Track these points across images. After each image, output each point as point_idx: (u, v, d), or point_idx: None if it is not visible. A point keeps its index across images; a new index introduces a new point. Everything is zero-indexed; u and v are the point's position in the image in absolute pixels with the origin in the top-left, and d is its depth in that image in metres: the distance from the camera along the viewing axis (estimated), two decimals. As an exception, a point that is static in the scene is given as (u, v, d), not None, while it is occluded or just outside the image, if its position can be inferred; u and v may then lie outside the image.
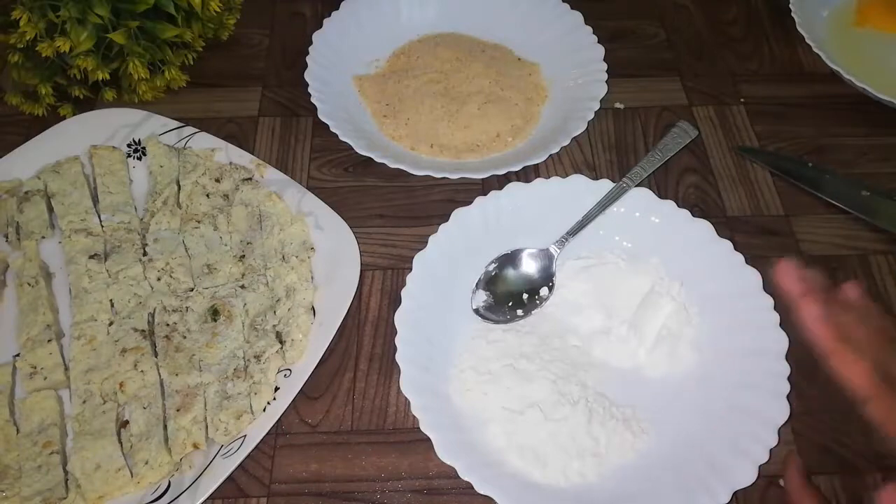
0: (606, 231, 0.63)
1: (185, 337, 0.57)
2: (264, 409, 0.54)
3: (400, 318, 0.55)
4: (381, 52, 0.80)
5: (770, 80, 0.80)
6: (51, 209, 0.64)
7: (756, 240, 0.66)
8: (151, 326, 0.58)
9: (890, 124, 0.74)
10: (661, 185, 0.70)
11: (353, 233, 0.62)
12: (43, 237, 0.63)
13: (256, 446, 0.52)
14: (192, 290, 0.60)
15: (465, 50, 0.79)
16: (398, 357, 0.53)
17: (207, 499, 0.50)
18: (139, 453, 0.52)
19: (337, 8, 0.78)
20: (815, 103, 0.77)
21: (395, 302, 0.57)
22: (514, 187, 0.63)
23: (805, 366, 0.58)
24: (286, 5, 0.87)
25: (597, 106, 0.71)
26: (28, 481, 0.50)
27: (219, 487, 0.50)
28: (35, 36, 0.66)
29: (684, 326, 0.58)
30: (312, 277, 0.61)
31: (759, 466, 0.49)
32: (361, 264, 0.61)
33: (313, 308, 0.59)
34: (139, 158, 0.69)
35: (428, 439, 0.50)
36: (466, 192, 0.68)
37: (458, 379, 0.56)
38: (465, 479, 0.48)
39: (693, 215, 0.61)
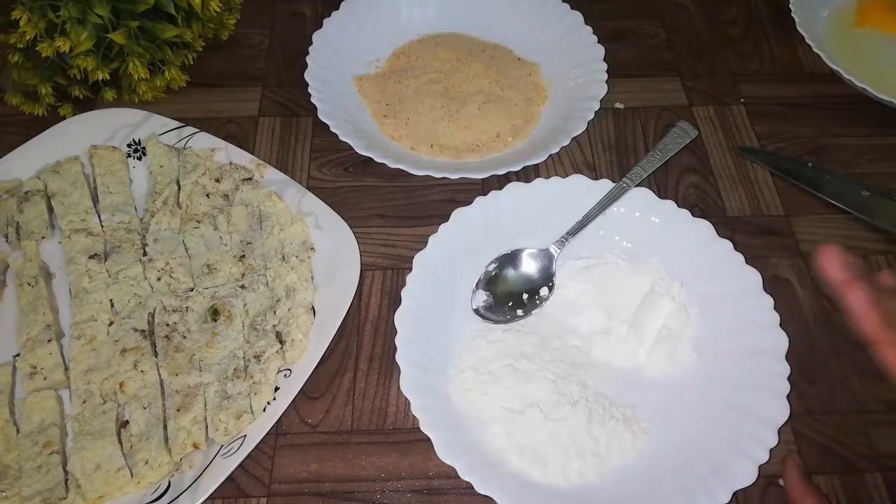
0: (606, 231, 0.63)
1: (185, 337, 0.57)
2: (264, 409, 0.54)
3: (400, 318, 0.55)
4: (381, 52, 0.80)
5: (770, 80, 0.80)
6: (51, 209, 0.64)
7: (756, 240, 0.66)
8: (151, 326, 0.58)
9: (890, 124, 0.74)
10: (661, 185, 0.70)
11: (353, 233, 0.62)
12: (43, 237, 0.63)
13: (256, 446, 0.52)
14: (192, 290, 0.60)
15: (465, 50, 0.79)
16: (398, 357, 0.53)
17: (207, 499, 0.50)
18: (139, 453, 0.52)
19: (337, 8, 0.78)
20: (815, 103, 0.77)
21: (395, 302, 0.57)
22: (514, 187, 0.63)
23: (805, 366, 0.59)
24: (286, 5, 0.87)
25: (597, 106, 0.71)
26: (28, 481, 0.50)
27: (219, 487, 0.50)
28: (35, 36, 0.66)
29: (684, 326, 0.58)
30: (312, 277, 0.61)
31: (759, 466, 0.49)
32: (361, 264, 0.61)
33: (313, 308, 0.59)
34: (139, 158, 0.69)
35: (428, 439, 0.50)
36: (466, 192, 0.68)
37: (458, 379, 0.56)
38: (465, 479, 0.48)
39: (693, 215, 0.61)
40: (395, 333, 0.55)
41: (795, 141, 0.74)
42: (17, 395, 0.55)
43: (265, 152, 0.72)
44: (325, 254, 0.62)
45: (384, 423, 0.56)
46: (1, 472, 0.51)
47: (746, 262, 0.58)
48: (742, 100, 0.78)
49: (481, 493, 0.48)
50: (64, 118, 0.71)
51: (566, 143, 0.68)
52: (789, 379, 0.53)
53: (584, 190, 0.63)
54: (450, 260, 0.60)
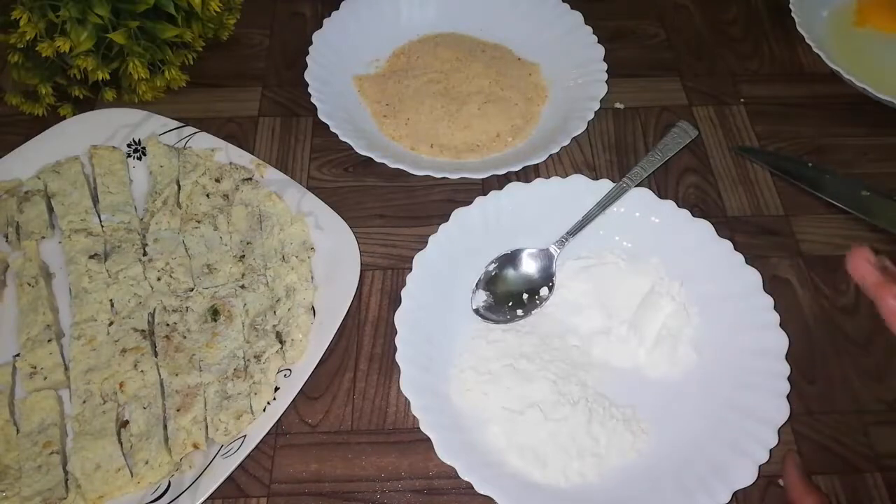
0: (606, 231, 0.63)
1: (185, 337, 0.57)
2: (264, 409, 0.54)
3: (400, 318, 0.55)
4: (381, 52, 0.80)
5: (770, 80, 0.80)
6: (51, 209, 0.64)
7: (756, 240, 0.66)
8: (151, 326, 0.58)
9: (890, 124, 0.74)
10: (661, 185, 0.70)
11: (353, 233, 0.62)
12: (43, 237, 0.63)
13: (256, 446, 0.52)
14: (192, 290, 0.60)
15: (465, 50, 0.79)
16: (398, 357, 0.53)
17: (207, 499, 0.50)
18: (139, 453, 0.52)
19: (337, 8, 0.78)
20: (815, 103, 0.77)
21: (395, 302, 0.57)
22: (514, 187, 0.63)
23: (805, 366, 0.59)
24: (286, 5, 0.87)
25: (597, 106, 0.71)
26: (28, 481, 0.50)
27: (219, 487, 0.50)
28: (35, 36, 0.66)
29: (684, 326, 0.58)
30: (312, 277, 0.61)
31: (759, 466, 0.49)
32: (361, 264, 0.61)
33: (313, 308, 0.59)
34: (139, 158, 0.69)
35: (428, 439, 0.50)
36: (466, 192, 0.68)
37: (458, 379, 0.56)
38: (465, 479, 0.48)
39: (693, 215, 0.61)
40: (395, 333, 0.55)
41: (795, 141, 0.74)
42: (17, 395, 0.55)
43: (265, 152, 0.72)
44: (325, 254, 0.62)
45: (384, 423, 0.56)
46: (1, 472, 0.51)
47: (746, 262, 0.58)
48: (742, 100, 0.78)
49: (481, 493, 0.48)
50: (64, 118, 0.71)
51: (566, 143, 0.68)
52: (789, 379, 0.53)
53: (584, 190, 0.63)
54: (450, 260, 0.60)
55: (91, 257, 0.61)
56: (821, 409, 0.57)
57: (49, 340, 0.57)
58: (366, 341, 0.60)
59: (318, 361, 0.56)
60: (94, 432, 0.52)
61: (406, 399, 0.52)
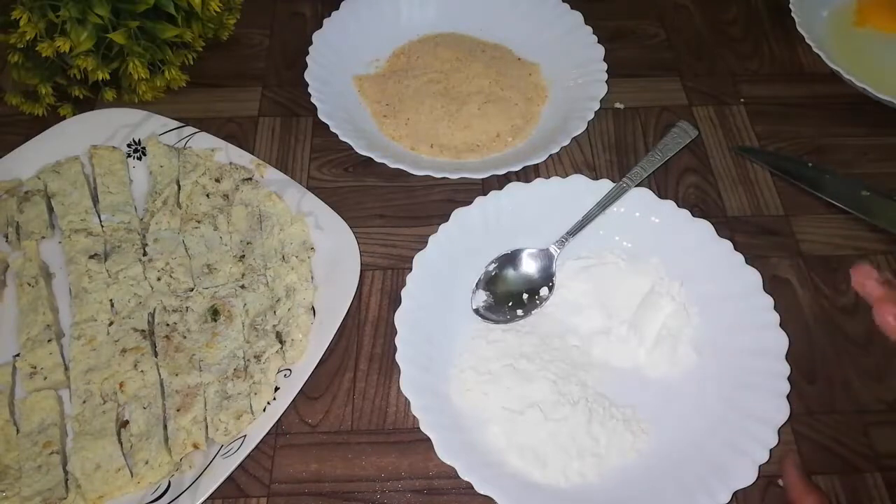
0: (606, 231, 0.63)
1: (185, 337, 0.57)
2: (264, 409, 0.54)
3: (400, 318, 0.55)
4: (381, 52, 0.80)
5: (770, 80, 0.80)
6: (51, 209, 0.64)
7: (756, 240, 0.66)
8: (151, 326, 0.58)
9: (890, 124, 0.74)
10: (661, 185, 0.70)
11: (353, 233, 0.62)
12: (43, 237, 0.63)
13: (256, 446, 0.52)
14: (192, 290, 0.60)
15: (465, 50, 0.79)
16: (398, 357, 0.53)
17: (207, 499, 0.50)
18: (139, 453, 0.52)
19: (337, 8, 0.78)
20: (815, 103, 0.77)
21: (395, 302, 0.57)
22: (514, 187, 0.63)
23: (805, 366, 0.59)
24: (286, 5, 0.87)
25: (597, 106, 0.71)
26: (28, 481, 0.50)
27: (219, 487, 0.50)
28: (35, 36, 0.66)
29: (684, 326, 0.58)
30: (312, 277, 0.61)
31: (759, 466, 0.49)
32: (361, 264, 0.61)
33: (313, 308, 0.59)
34: (139, 158, 0.69)
35: (428, 439, 0.50)
36: (466, 192, 0.68)
37: (458, 379, 0.56)
38: (465, 479, 0.48)
39: (693, 215, 0.61)
40: (395, 333, 0.55)
41: (795, 141, 0.74)
42: (17, 395, 0.55)
43: (265, 152, 0.72)
44: (325, 254, 0.62)
45: (384, 423, 0.56)
46: (1, 472, 0.51)
47: (746, 262, 0.58)
48: (742, 100, 0.78)
49: (481, 493, 0.48)
50: (64, 118, 0.71)
51: (566, 143, 0.68)
52: (789, 379, 0.53)
53: (584, 190, 0.63)
54: (450, 260, 0.60)
55: (91, 257, 0.61)
56: (821, 409, 0.57)
57: (49, 340, 0.57)
58: (366, 341, 0.60)
59: (318, 361, 0.56)
60: (94, 432, 0.52)
61: (406, 399, 0.52)
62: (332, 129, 0.68)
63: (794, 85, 0.79)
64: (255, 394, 0.54)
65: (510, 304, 0.60)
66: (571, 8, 0.79)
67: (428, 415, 0.51)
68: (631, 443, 0.53)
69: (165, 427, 0.53)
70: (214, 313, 0.58)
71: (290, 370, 0.57)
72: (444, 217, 0.61)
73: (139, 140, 0.69)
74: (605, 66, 0.74)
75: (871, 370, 0.59)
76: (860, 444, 0.55)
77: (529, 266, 0.62)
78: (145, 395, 0.54)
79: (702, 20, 0.86)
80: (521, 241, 0.62)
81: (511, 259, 0.62)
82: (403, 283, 0.57)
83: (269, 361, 0.56)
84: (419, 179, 0.68)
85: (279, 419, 0.54)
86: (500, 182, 0.66)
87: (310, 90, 0.71)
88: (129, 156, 0.69)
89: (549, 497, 0.50)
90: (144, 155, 0.68)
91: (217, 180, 0.66)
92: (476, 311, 0.59)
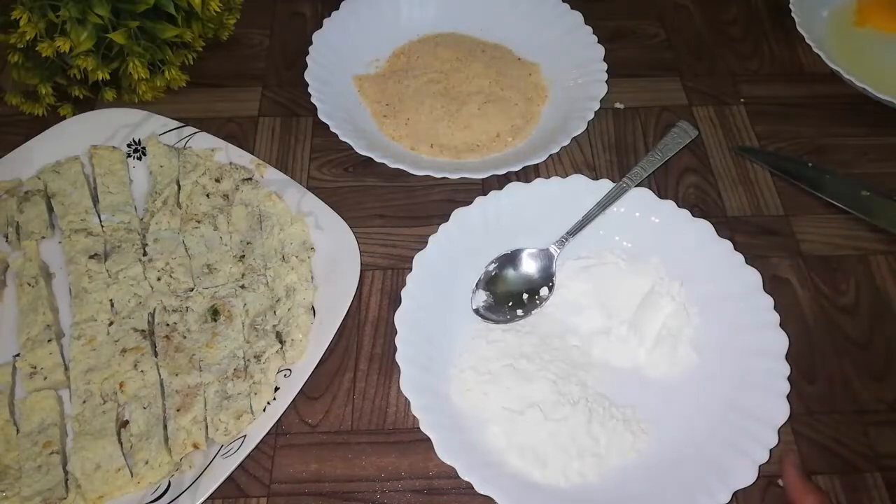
0: (606, 231, 0.63)
1: (185, 337, 0.57)
2: (264, 409, 0.54)
3: (400, 318, 0.55)
4: (381, 52, 0.80)
5: (770, 80, 0.80)
6: (51, 209, 0.64)
7: (756, 240, 0.66)
8: (151, 326, 0.58)
9: (890, 124, 0.74)
10: (661, 185, 0.70)
11: (353, 233, 0.62)
12: (43, 237, 0.63)
13: (256, 446, 0.52)
14: (192, 290, 0.60)
15: (465, 50, 0.79)
16: (398, 357, 0.53)
17: (207, 499, 0.50)
18: (139, 453, 0.52)
19: (337, 8, 0.78)
20: (815, 103, 0.77)
21: (395, 302, 0.57)
22: (514, 187, 0.63)
23: (805, 366, 0.59)
24: (286, 5, 0.87)
25: (597, 106, 0.71)
26: (28, 481, 0.50)
27: (219, 487, 0.50)
28: (35, 36, 0.66)
29: (684, 326, 0.58)
30: (312, 277, 0.61)
31: (759, 466, 0.49)
32: (361, 264, 0.61)
33: (313, 308, 0.59)
34: (139, 158, 0.69)
35: (428, 439, 0.50)
36: (466, 192, 0.68)
37: (458, 379, 0.56)
38: (465, 479, 0.48)
39: (693, 215, 0.61)
40: (395, 333, 0.55)
41: (795, 141, 0.74)
42: (17, 395, 0.55)
43: (265, 152, 0.72)
44: (325, 254, 0.62)
45: (384, 423, 0.56)
46: (1, 472, 0.51)
47: (746, 262, 0.58)
48: (742, 100, 0.78)
49: (481, 493, 0.48)
50: (64, 118, 0.71)
51: (566, 143, 0.68)
52: (789, 379, 0.53)
53: (584, 190, 0.63)
54: (450, 260, 0.60)
55: (91, 257, 0.61)
56: (821, 409, 0.57)
57: (49, 340, 0.57)
58: (366, 341, 0.60)
59: (318, 361, 0.56)
60: (94, 432, 0.52)
61: (406, 399, 0.52)
62: (332, 129, 0.68)
63: (794, 85, 0.79)
64: (255, 394, 0.54)
65: (510, 304, 0.60)
66: (571, 8, 0.79)
67: (428, 415, 0.51)
68: (631, 443, 0.53)
69: (165, 427, 0.53)
70: (214, 313, 0.58)
71: (290, 370, 0.57)
72: (444, 217, 0.61)
73: (139, 140, 0.69)
74: (605, 66, 0.74)
75: (871, 370, 0.59)
76: (860, 444, 0.55)
77: (529, 266, 0.62)
78: (145, 395, 0.54)
79: (702, 20, 0.86)
80: (521, 241, 0.62)
81: (511, 259, 0.62)
82: (403, 283, 0.57)
83: (269, 361, 0.56)
84: (419, 179, 0.68)
85: (279, 419, 0.54)
86: (500, 182, 0.66)
87: (310, 90, 0.71)
88: (129, 156, 0.69)
89: (549, 497, 0.50)
90: (144, 155, 0.68)
91: (217, 180, 0.66)
92: (476, 311, 0.59)
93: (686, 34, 0.85)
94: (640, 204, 0.63)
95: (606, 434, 0.53)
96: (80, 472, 0.51)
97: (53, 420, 0.53)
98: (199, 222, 0.64)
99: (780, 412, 0.51)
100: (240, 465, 0.51)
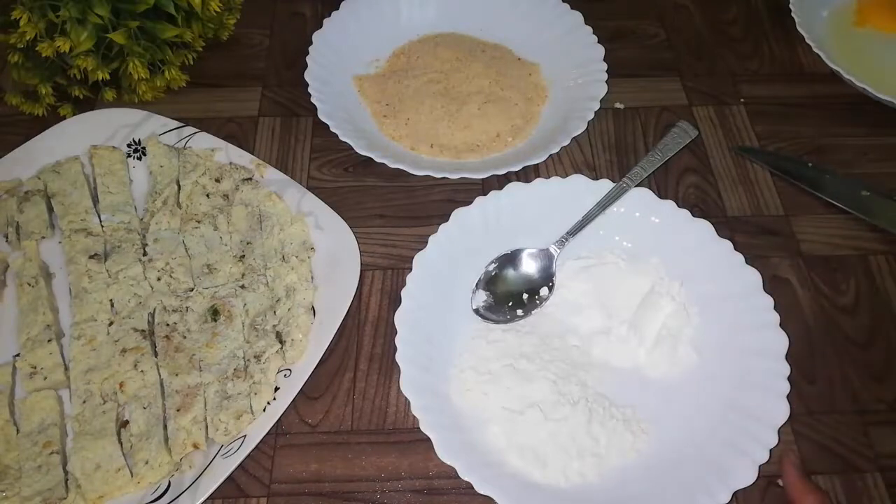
0: (606, 231, 0.63)
1: (185, 337, 0.57)
2: (264, 409, 0.54)
3: (400, 318, 0.55)
4: (381, 52, 0.80)
5: (770, 80, 0.80)
6: (51, 209, 0.64)
7: (756, 240, 0.66)
8: (151, 326, 0.58)
9: (890, 124, 0.74)
10: (661, 185, 0.70)
11: (353, 233, 0.62)
12: (43, 237, 0.63)
13: (256, 446, 0.52)
14: (192, 290, 0.60)
15: (465, 50, 0.79)
16: (398, 357, 0.53)
17: (207, 499, 0.50)
18: (139, 453, 0.52)
19: (337, 8, 0.78)
20: (815, 103, 0.77)
21: (395, 302, 0.57)
22: (514, 187, 0.63)
23: (805, 366, 0.59)
24: (286, 5, 0.87)
25: (597, 106, 0.71)
26: (28, 481, 0.50)
27: (219, 487, 0.50)
28: (35, 36, 0.66)
29: (684, 326, 0.58)
30: (312, 277, 0.61)
31: (759, 466, 0.49)
32: (361, 264, 0.61)
33: (313, 308, 0.59)
34: (139, 158, 0.69)
35: (428, 439, 0.50)
36: (466, 192, 0.68)
37: (458, 379, 0.56)
38: (465, 479, 0.48)
39: (693, 215, 0.61)
40: (395, 333, 0.55)
41: (795, 141, 0.74)
42: (17, 395, 0.55)
43: (265, 152, 0.72)
44: (325, 254, 0.62)
45: (384, 423, 0.56)
46: (1, 472, 0.51)
47: (746, 262, 0.58)
48: (742, 100, 0.78)
49: (481, 493, 0.48)
50: (64, 118, 0.71)
51: (566, 143, 0.68)
52: (789, 379, 0.53)
53: (584, 190, 0.63)
54: (450, 260, 0.60)
55: (91, 257, 0.61)
56: (821, 409, 0.57)
57: (49, 340, 0.57)
58: (366, 341, 0.60)
59: (318, 361, 0.56)
60: (94, 432, 0.52)
61: (406, 399, 0.52)
62: (332, 129, 0.68)
63: (794, 85, 0.79)
64: (255, 394, 0.54)
65: (510, 304, 0.60)
66: (571, 8, 0.79)
67: (428, 415, 0.51)
68: (631, 443, 0.53)
69: (165, 427, 0.53)
70: (214, 313, 0.58)
71: (290, 370, 0.57)
72: (444, 217, 0.61)
73: (139, 140, 0.69)
74: (605, 66, 0.74)
75: (871, 370, 0.59)
76: (860, 444, 0.55)
77: (529, 266, 0.62)
78: (145, 395, 0.54)
79: (702, 20, 0.86)
80: (521, 241, 0.62)
81: (511, 259, 0.62)
82: (403, 283, 0.57)
83: (269, 361, 0.56)
84: (419, 179, 0.68)
85: (279, 419, 0.54)
86: (500, 182, 0.66)
87: (310, 90, 0.71)
88: (129, 156, 0.69)
89: (549, 497, 0.50)
90: (144, 155, 0.68)
91: (217, 180, 0.66)
92: (476, 311, 0.59)
93: (686, 34, 0.85)
94: (640, 204, 0.63)
95: (606, 434, 0.53)
96: (80, 472, 0.51)
97: (53, 420, 0.53)
98: (199, 222, 0.64)
99: (780, 412, 0.51)
100: (240, 465, 0.51)
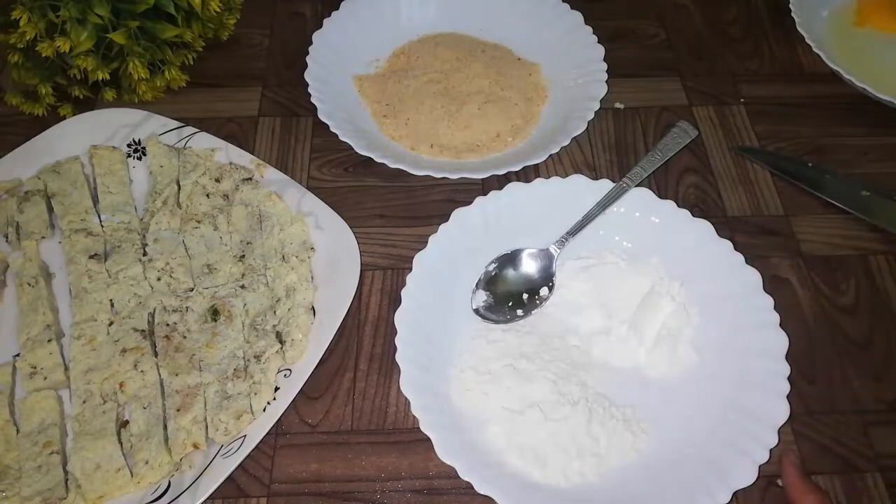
0: (606, 231, 0.63)
1: (185, 337, 0.57)
2: (264, 409, 0.54)
3: (400, 318, 0.55)
4: (381, 52, 0.80)
5: (770, 80, 0.80)
6: (51, 209, 0.64)
7: (756, 240, 0.66)
8: (151, 326, 0.58)
9: (890, 124, 0.74)
10: (661, 185, 0.70)
11: (353, 233, 0.62)
12: (43, 237, 0.63)
13: (256, 446, 0.52)
14: (192, 290, 0.60)
15: (465, 50, 0.79)
16: (398, 357, 0.53)
17: (207, 499, 0.50)
18: (139, 453, 0.52)
19: (337, 8, 0.78)
20: (815, 103, 0.77)
21: (395, 302, 0.57)
22: (514, 187, 0.63)
23: (805, 366, 0.59)
24: (286, 5, 0.87)
25: (597, 106, 0.71)
26: (28, 481, 0.50)
27: (219, 487, 0.50)
28: (35, 36, 0.66)
29: (684, 326, 0.58)
30: (312, 277, 0.61)
31: (759, 466, 0.49)
32: (361, 264, 0.60)
33: (313, 308, 0.59)
34: (139, 158, 0.69)
35: (428, 439, 0.50)
36: (466, 192, 0.68)
37: (458, 379, 0.56)
38: (465, 479, 0.48)
39: (693, 215, 0.61)
40: (395, 333, 0.55)
41: (795, 141, 0.74)
42: (17, 395, 0.55)
43: (265, 152, 0.72)
44: (325, 254, 0.62)
45: (384, 423, 0.56)
46: (1, 472, 0.51)
47: (746, 262, 0.58)
48: (742, 100, 0.78)
49: (481, 493, 0.48)
50: (64, 118, 0.71)
51: (566, 143, 0.68)
52: (789, 379, 0.53)
53: (584, 190, 0.63)
54: (450, 260, 0.60)
55: (91, 257, 0.61)
56: (821, 409, 0.57)
57: (49, 340, 0.57)
58: (366, 341, 0.60)
59: (318, 361, 0.56)
60: (94, 432, 0.52)
61: (406, 399, 0.52)
62: (332, 129, 0.68)
63: (794, 85, 0.79)
64: (255, 394, 0.54)
65: (510, 304, 0.60)
66: (571, 8, 0.79)
67: (428, 415, 0.51)
68: (631, 443, 0.53)
69: (165, 427, 0.53)
70: (214, 313, 0.58)
71: (290, 370, 0.57)
72: (444, 217, 0.61)
73: (139, 140, 0.69)
74: (605, 66, 0.74)
75: (871, 370, 0.59)
76: (860, 444, 0.55)
77: (529, 266, 0.62)
78: (145, 395, 0.54)
79: (702, 20, 0.86)
80: (521, 241, 0.62)
81: (511, 259, 0.62)
82: (403, 283, 0.57)
83: (269, 361, 0.56)
84: (419, 179, 0.68)
85: (279, 419, 0.54)
86: (500, 182, 0.66)
87: (310, 90, 0.71)
88: (129, 156, 0.69)
89: (549, 497, 0.50)
90: (144, 155, 0.68)
91: (217, 180, 0.66)
92: (476, 311, 0.59)
93: (686, 34, 0.85)
94: (640, 204, 0.63)
95: (606, 434, 0.53)
96: (80, 472, 0.51)
97: (53, 420, 0.53)
98: (199, 222, 0.64)
99: (780, 412, 0.51)
100: (240, 465, 0.51)
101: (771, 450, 0.50)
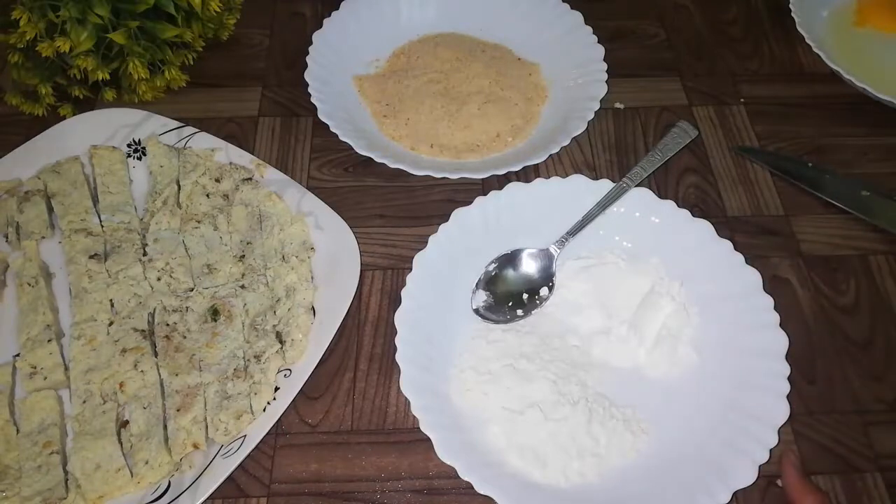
0: (606, 231, 0.63)
1: (185, 337, 0.57)
2: (264, 409, 0.54)
3: (400, 318, 0.55)
4: (381, 52, 0.80)
5: (770, 80, 0.80)
6: (51, 209, 0.64)
7: (756, 240, 0.66)
8: (151, 326, 0.58)
9: (890, 124, 0.74)
10: (661, 185, 0.70)
11: (353, 233, 0.62)
12: (43, 237, 0.63)
13: (256, 446, 0.52)
14: (192, 290, 0.60)
15: (465, 50, 0.79)
16: (398, 357, 0.53)
17: (207, 499, 0.50)
18: (139, 453, 0.52)
19: (337, 8, 0.78)
20: (815, 103, 0.77)
21: (395, 302, 0.57)
22: (514, 187, 0.63)
23: (805, 366, 0.59)
24: (286, 5, 0.87)
25: (597, 106, 0.71)
26: (28, 481, 0.50)
27: (219, 487, 0.50)
28: (35, 36, 0.66)
29: (684, 326, 0.58)
30: (312, 277, 0.61)
31: (759, 466, 0.49)
32: (361, 264, 0.60)
33: (313, 308, 0.59)
34: (139, 158, 0.69)
35: (428, 439, 0.50)
36: (466, 192, 0.68)
37: (458, 379, 0.56)
38: (465, 479, 0.48)
39: (693, 215, 0.61)
40: (395, 333, 0.55)
41: (795, 141, 0.74)
42: (17, 395, 0.55)
43: (265, 152, 0.72)
44: (325, 254, 0.62)
45: (384, 423, 0.56)
46: (1, 472, 0.51)
47: (746, 262, 0.58)
48: (742, 100, 0.78)
49: (481, 493, 0.48)
50: (64, 118, 0.71)
51: (566, 143, 0.68)
52: (789, 379, 0.53)
53: (584, 190, 0.63)
54: (450, 260, 0.60)
55: (91, 257, 0.61)
56: (821, 409, 0.57)
57: (49, 340, 0.57)
58: (366, 341, 0.60)
59: (318, 361, 0.56)
60: (94, 432, 0.52)
61: (406, 399, 0.52)
62: (332, 129, 0.68)
63: (794, 85, 0.79)
64: (255, 394, 0.54)
65: (510, 304, 0.60)
66: (571, 8, 0.79)
67: (428, 415, 0.51)
68: (631, 443, 0.53)
69: (165, 427, 0.53)
70: (214, 313, 0.58)
71: (290, 370, 0.57)
72: (444, 217, 0.61)
73: (139, 140, 0.69)
74: (605, 66, 0.74)
75: (871, 370, 0.59)
76: (860, 444, 0.55)
77: (529, 266, 0.62)
78: (145, 395, 0.54)
79: (702, 20, 0.86)
80: (521, 241, 0.62)
81: (511, 259, 0.62)
82: (403, 283, 0.57)
83: (269, 361, 0.56)
84: (419, 179, 0.68)
85: (279, 419, 0.54)
86: (500, 182, 0.66)
87: (310, 90, 0.71)
88: (129, 156, 0.69)
89: (549, 497, 0.50)
90: (144, 155, 0.68)
91: (217, 180, 0.66)
92: (476, 311, 0.59)
93: (686, 34, 0.85)
94: (640, 204, 0.63)
95: (606, 434, 0.53)
96: (80, 472, 0.51)
97: (53, 420, 0.53)
98: (199, 222, 0.64)
99: (780, 412, 0.51)
100: (240, 465, 0.51)
101: (771, 450, 0.50)
